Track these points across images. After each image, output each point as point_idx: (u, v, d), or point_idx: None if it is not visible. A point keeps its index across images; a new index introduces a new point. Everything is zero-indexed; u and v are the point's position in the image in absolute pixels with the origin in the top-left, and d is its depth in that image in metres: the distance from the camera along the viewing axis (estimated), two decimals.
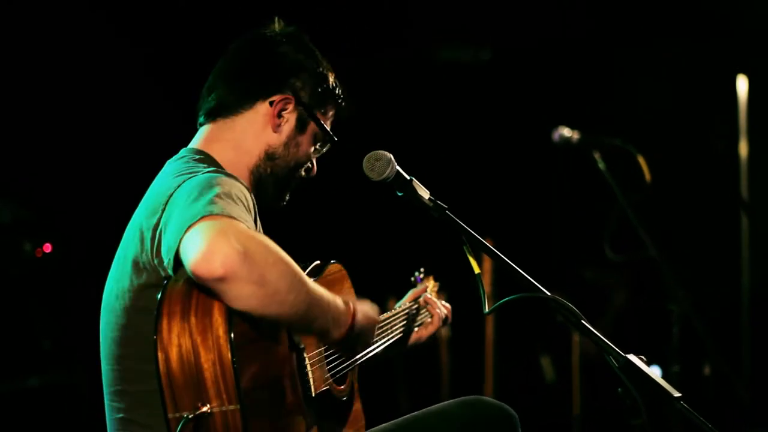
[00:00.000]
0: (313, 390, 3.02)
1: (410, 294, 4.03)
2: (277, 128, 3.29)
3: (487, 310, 3.18)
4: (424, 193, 3.25)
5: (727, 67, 7.46)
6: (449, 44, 8.24)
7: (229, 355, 2.67)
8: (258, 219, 3.14)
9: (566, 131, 5.81)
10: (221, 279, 2.63)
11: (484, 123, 8.17)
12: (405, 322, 3.78)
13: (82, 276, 6.60)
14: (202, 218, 2.69)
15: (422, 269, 4.23)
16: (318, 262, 3.42)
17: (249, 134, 3.28)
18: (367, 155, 3.20)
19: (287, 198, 3.45)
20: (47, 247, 6.31)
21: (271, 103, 3.28)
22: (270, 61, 3.30)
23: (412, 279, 4.21)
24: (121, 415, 3.04)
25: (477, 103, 8.19)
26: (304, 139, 3.35)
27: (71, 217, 6.55)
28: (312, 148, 3.40)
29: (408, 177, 3.24)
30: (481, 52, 8.21)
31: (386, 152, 3.23)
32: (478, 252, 3.20)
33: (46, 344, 6.31)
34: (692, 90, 7.65)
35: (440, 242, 4.52)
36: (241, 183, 3.02)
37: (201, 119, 3.39)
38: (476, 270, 3.21)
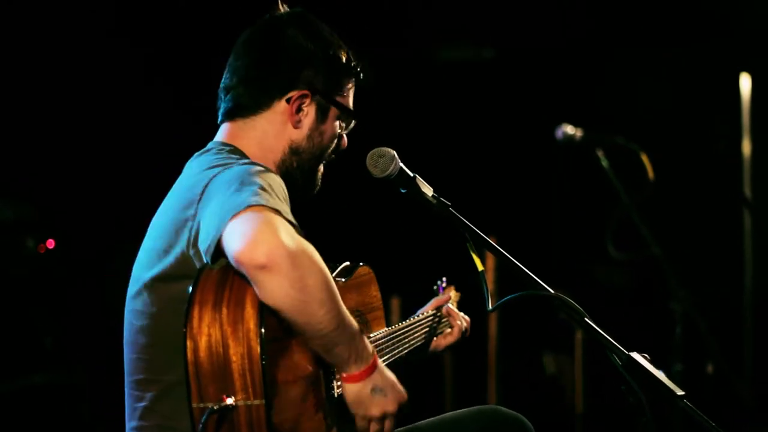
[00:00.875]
0: (336, 391, 3.00)
1: (433, 302, 4.00)
2: (297, 124, 3.25)
3: (490, 307, 3.18)
4: (428, 190, 3.25)
5: (730, 65, 7.45)
6: (451, 43, 8.24)
7: (258, 350, 2.66)
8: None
9: (569, 129, 5.81)
10: (262, 267, 2.61)
11: (487, 121, 8.17)
12: (428, 330, 3.76)
13: (84, 273, 6.61)
14: (248, 207, 2.68)
15: (444, 278, 4.21)
16: (347, 263, 3.40)
17: (270, 133, 3.24)
18: (371, 152, 3.20)
19: (318, 185, 3.41)
20: (50, 243, 6.31)
21: (288, 101, 3.23)
22: (281, 58, 3.24)
23: (434, 288, 4.20)
24: (143, 403, 3.02)
25: (480, 101, 8.19)
26: (327, 126, 3.31)
27: (74, 214, 6.55)
28: (336, 131, 3.35)
29: (411, 174, 3.24)
30: (483, 51, 8.21)
31: (390, 149, 3.22)
32: (482, 249, 3.19)
33: (47, 342, 6.31)
34: (695, 88, 7.64)
35: (443, 239, 4.52)
36: (277, 177, 3.00)
37: (220, 118, 3.35)
38: (479, 267, 3.21)
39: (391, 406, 2.97)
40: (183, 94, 6.94)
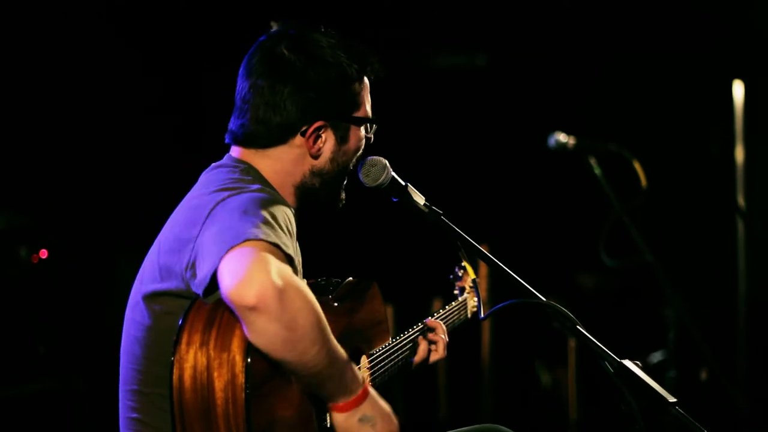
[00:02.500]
0: (328, 422, 3.00)
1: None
2: (317, 152, 3.19)
3: (482, 315, 3.18)
4: (420, 199, 3.25)
5: (723, 72, 7.46)
6: (445, 50, 8.24)
7: (243, 395, 2.66)
8: (297, 244, 3.10)
9: (562, 136, 5.81)
10: (252, 308, 2.59)
11: (479, 128, 8.18)
12: (412, 345, 3.72)
13: (77, 282, 6.61)
14: (246, 241, 2.66)
15: (463, 264, 4.19)
16: (351, 279, 3.36)
17: (288, 161, 3.19)
18: (362, 161, 3.20)
19: (344, 197, 3.36)
20: (43, 253, 6.30)
21: (303, 133, 3.17)
22: (287, 95, 3.14)
23: (451, 277, 4.19)
24: (135, 415, 3.02)
25: (473, 109, 8.20)
26: (350, 144, 3.25)
27: (68, 223, 6.55)
28: (361, 143, 3.30)
29: (403, 183, 3.24)
30: (476, 58, 8.21)
31: (381, 158, 3.22)
32: (474, 258, 3.19)
33: (41, 350, 6.30)
34: (688, 95, 7.65)
35: (436, 248, 4.52)
36: (286, 204, 2.99)
37: (231, 140, 3.27)
38: (472, 275, 3.21)
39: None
40: (180, 103, 6.96)
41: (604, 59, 7.94)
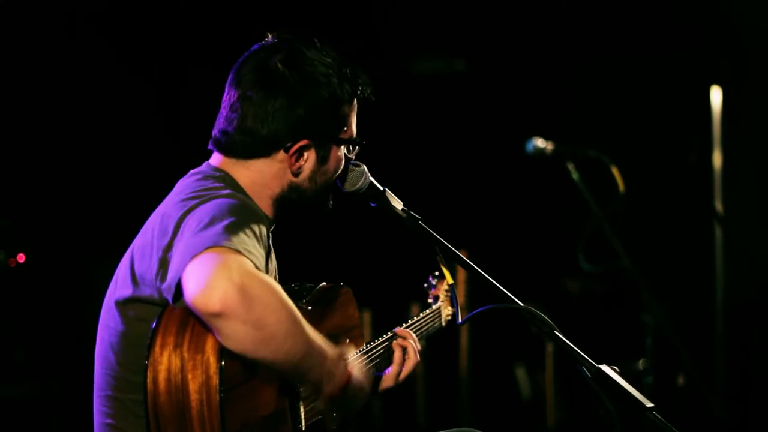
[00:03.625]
0: (303, 424, 3.00)
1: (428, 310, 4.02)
2: (298, 170, 3.17)
3: (460, 320, 3.18)
4: (398, 204, 3.25)
5: (701, 78, 7.49)
6: (424, 55, 8.25)
7: (217, 398, 2.66)
8: (272, 249, 3.12)
9: (540, 142, 5.82)
10: (217, 315, 2.59)
11: (458, 133, 8.19)
12: (384, 351, 3.71)
13: (55, 286, 6.58)
14: (207, 249, 2.64)
15: (437, 272, 4.19)
16: (324, 284, 3.36)
17: (267, 174, 3.16)
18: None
19: (330, 205, 3.33)
20: (21, 258, 6.28)
21: (286, 150, 3.14)
22: (276, 110, 3.12)
23: (425, 285, 4.19)
24: (109, 420, 3.01)
25: (452, 114, 8.20)
26: (330, 164, 3.23)
27: (45, 228, 6.53)
28: (341, 163, 3.27)
29: (381, 188, 3.24)
30: (454, 63, 8.22)
31: (359, 163, 3.22)
32: (452, 263, 3.20)
33: (18, 355, 6.27)
34: (666, 101, 7.67)
35: (414, 253, 4.52)
36: (257, 210, 3.00)
37: (213, 146, 3.25)
38: (449, 281, 3.21)
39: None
40: (160, 107, 6.94)
41: (582, 64, 7.96)
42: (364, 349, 3.46)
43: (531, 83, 8.08)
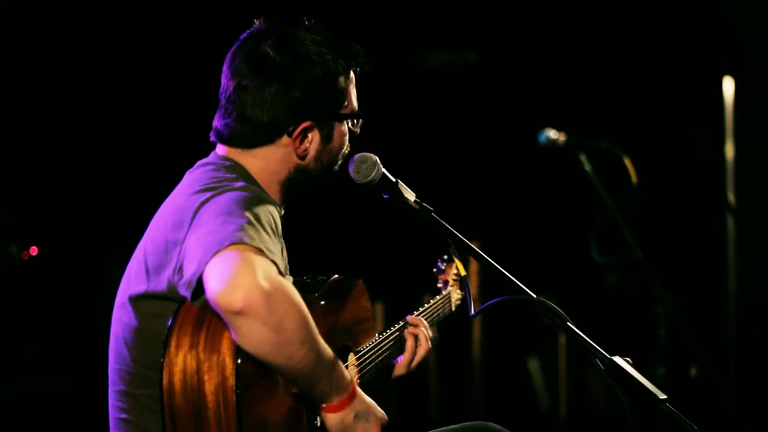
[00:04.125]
0: (319, 422, 2.99)
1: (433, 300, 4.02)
2: (303, 152, 3.18)
3: (473, 312, 3.17)
4: (410, 196, 3.24)
5: (713, 69, 7.47)
6: (436, 48, 8.24)
7: (233, 398, 2.66)
8: (282, 242, 3.09)
9: (552, 133, 5.81)
10: (238, 313, 2.58)
11: (470, 126, 8.18)
12: (396, 341, 3.71)
13: (68, 280, 6.60)
14: (230, 246, 2.64)
15: (445, 256, 4.20)
16: (337, 276, 3.36)
17: (273, 160, 3.17)
18: (353, 158, 3.19)
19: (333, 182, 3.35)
20: (33, 251, 6.29)
21: (289, 134, 3.15)
22: (274, 96, 3.12)
23: (434, 270, 4.20)
24: (123, 416, 3.01)
25: (464, 106, 8.19)
26: (335, 141, 3.24)
27: (58, 221, 6.54)
28: (345, 138, 3.29)
29: (394, 179, 3.23)
30: (467, 55, 8.21)
31: (372, 154, 3.22)
32: (465, 254, 3.19)
33: (29, 349, 6.29)
34: (678, 92, 7.66)
35: (426, 244, 4.51)
36: (271, 202, 2.98)
37: (216, 138, 3.25)
38: (462, 272, 3.20)
39: (374, 430, 2.98)
40: (165, 101, 6.94)
41: (595, 56, 7.94)
42: (376, 340, 3.46)
43: (544, 75, 8.07)
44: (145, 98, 7.03)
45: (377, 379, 3.48)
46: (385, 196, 3.24)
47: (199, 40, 6.97)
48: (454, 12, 7.82)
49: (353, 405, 2.92)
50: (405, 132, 7.74)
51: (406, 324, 3.65)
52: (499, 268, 3.12)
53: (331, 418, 2.91)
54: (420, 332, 3.63)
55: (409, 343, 3.61)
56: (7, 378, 6.14)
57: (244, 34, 3.24)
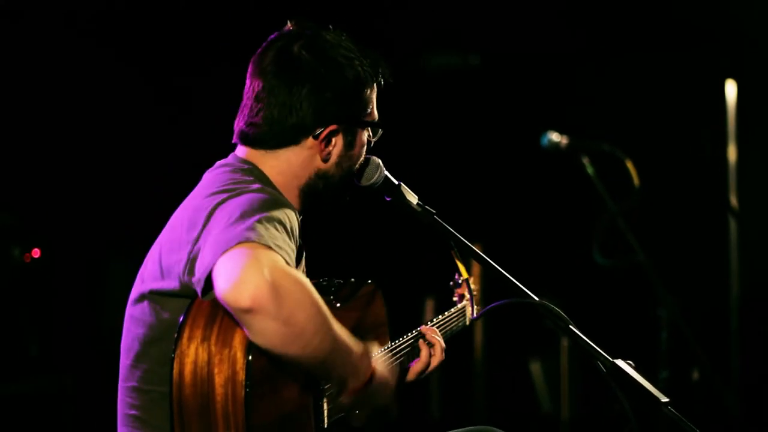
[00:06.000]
0: (326, 421, 3.00)
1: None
2: (326, 156, 3.17)
3: (475, 315, 3.18)
4: (413, 198, 3.25)
5: (715, 72, 7.47)
6: (438, 50, 8.24)
7: (242, 393, 2.66)
8: (302, 244, 3.10)
9: (555, 136, 5.82)
10: (247, 311, 2.59)
11: (473, 128, 8.17)
12: (410, 349, 3.70)
13: (70, 282, 6.60)
14: (239, 244, 2.65)
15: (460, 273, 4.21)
16: (353, 280, 3.35)
17: (295, 163, 3.16)
18: None
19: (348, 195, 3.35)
20: (36, 253, 6.30)
21: (315, 136, 3.15)
22: (303, 98, 3.12)
23: (451, 284, 4.19)
24: (133, 412, 3.02)
25: (466, 109, 8.19)
26: (356, 148, 3.24)
27: (60, 223, 6.54)
28: (364, 148, 3.29)
29: (396, 182, 3.23)
30: (469, 58, 8.21)
31: (374, 157, 3.22)
32: (467, 257, 3.19)
33: (33, 350, 6.29)
34: (680, 95, 7.65)
35: (429, 247, 4.52)
36: (288, 205, 2.98)
37: (239, 140, 3.24)
38: (464, 275, 3.21)
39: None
40: (171, 101, 6.94)
41: (597, 59, 7.94)
42: (390, 347, 3.45)
43: (546, 78, 8.06)
44: (149, 100, 7.02)
45: None
46: (387, 199, 3.25)
47: (203, 41, 6.98)
48: (457, 14, 7.81)
49: (375, 379, 2.92)
50: (407, 134, 7.73)
51: (420, 333, 3.64)
52: (502, 270, 3.13)
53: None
54: (437, 342, 3.62)
55: (424, 352, 3.60)
56: (10, 378, 6.14)
57: (273, 35, 3.24)
